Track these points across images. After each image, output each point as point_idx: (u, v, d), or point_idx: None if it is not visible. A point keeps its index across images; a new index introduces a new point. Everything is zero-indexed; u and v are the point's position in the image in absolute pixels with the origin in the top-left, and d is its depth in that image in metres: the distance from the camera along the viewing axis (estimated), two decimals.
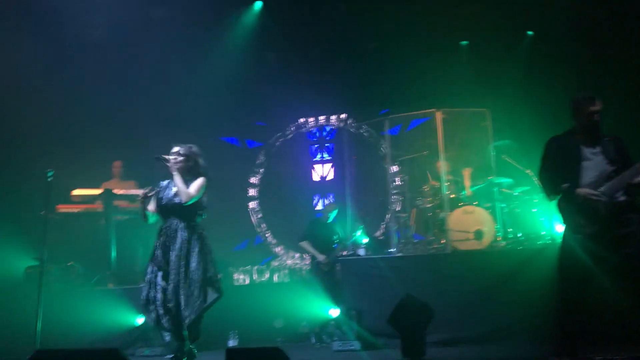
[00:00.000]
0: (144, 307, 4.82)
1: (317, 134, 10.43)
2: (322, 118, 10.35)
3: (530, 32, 8.87)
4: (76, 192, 8.16)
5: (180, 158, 4.87)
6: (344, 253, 7.51)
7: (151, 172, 7.99)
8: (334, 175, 10.15)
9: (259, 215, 10.22)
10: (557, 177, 4.37)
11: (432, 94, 8.43)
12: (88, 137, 9.06)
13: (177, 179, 4.77)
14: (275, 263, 9.51)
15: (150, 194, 4.88)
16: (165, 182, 4.97)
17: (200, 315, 4.76)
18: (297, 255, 9.77)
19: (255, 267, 8.74)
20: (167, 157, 4.89)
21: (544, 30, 8.64)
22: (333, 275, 7.53)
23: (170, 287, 4.69)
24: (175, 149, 4.94)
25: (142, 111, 9.39)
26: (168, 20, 8.84)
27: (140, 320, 6.88)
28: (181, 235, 4.77)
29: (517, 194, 7.25)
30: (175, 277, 4.70)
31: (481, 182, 7.38)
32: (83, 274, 7.77)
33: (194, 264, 4.75)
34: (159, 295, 4.71)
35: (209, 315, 4.94)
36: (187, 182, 4.84)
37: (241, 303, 7.34)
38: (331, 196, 10.01)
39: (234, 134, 10.46)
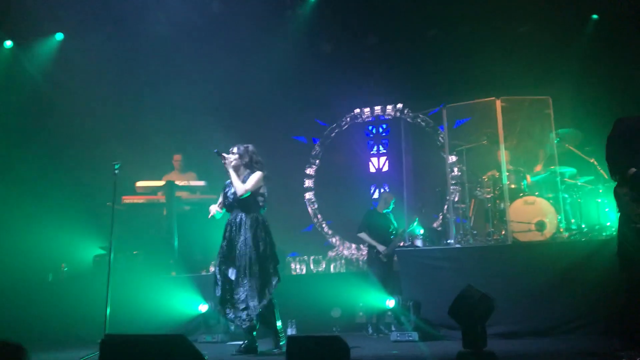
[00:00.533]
0: (220, 301, 5.17)
1: (374, 131, 10.37)
2: (377, 108, 10.29)
3: (595, 16, 8.53)
4: (140, 183, 8.45)
5: (235, 156, 5.26)
6: (402, 244, 7.47)
7: (209, 165, 8.24)
8: (389, 167, 10.11)
9: (315, 206, 10.29)
10: (622, 157, 4.22)
11: (491, 81, 8.23)
12: (151, 132, 9.38)
13: (232, 175, 5.19)
14: (332, 253, 9.56)
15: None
16: (228, 181, 5.33)
17: (269, 302, 5.09)
18: (354, 245, 9.79)
19: (312, 257, 8.83)
20: (223, 154, 5.26)
21: (610, 13, 8.28)
22: (391, 265, 7.52)
23: (238, 277, 5.02)
24: (232, 148, 5.36)
25: (202, 106, 9.60)
26: (228, 15, 8.95)
27: (202, 307, 7.07)
28: (245, 227, 5.13)
29: (580, 183, 7.02)
30: (241, 266, 5.02)
31: (543, 172, 7.19)
32: (147, 262, 8.03)
33: (256, 253, 5.07)
34: (227, 286, 5.08)
35: None
36: (245, 177, 5.23)
37: (298, 292, 7.44)
38: (386, 186, 9.97)
39: (291, 125, 10.52)
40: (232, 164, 5.21)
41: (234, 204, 5.21)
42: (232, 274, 5.05)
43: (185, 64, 9.30)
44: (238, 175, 5.22)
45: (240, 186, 5.11)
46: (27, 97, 8.74)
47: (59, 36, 8.98)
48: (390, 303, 6.72)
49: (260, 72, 9.29)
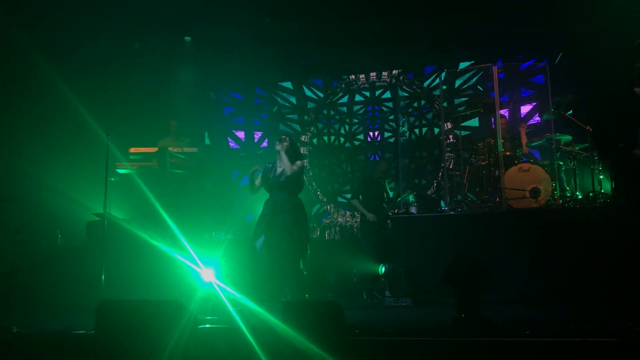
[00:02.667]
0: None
1: (369, 115, 10.28)
2: (373, 74, 10.17)
3: None
4: (133, 150, 8.36)
5: (286, 143, 5.73)
6: (396, 211, 7.47)
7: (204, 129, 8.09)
8: (383, 136, 10.07)
9: (310, 174, 10.25)
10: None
11: (489, 46, 8.11)
12: (144, 97, 9.27)
13: (284, 157, 5.66)
14: (326, 221, 9.57)
15: (256, 169, 5.82)
16: (269, 165, 5.84)
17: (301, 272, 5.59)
18: (348, 213, 9.80)
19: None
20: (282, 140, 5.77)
21: None
22: (383, 233, 7.53)
23: (276, 252, 5.48)
24: (284, 136, 5.84)
25: (202, 68, 9.46)
26: None
27: (205, 272, 7.03)
28: (286, 207, 5.63)
29: (576, 151, 7.01)
30: (280, 242, 5.49)
31: (539, 139, 7.17)
32: (141, 228, 7.98)
33: (297, 230, 5.58)
34: (265, 256, 5.53)
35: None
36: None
37: None
38: (379, 153, 9.93)
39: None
40: (285, 148, 5.67)
41: (276, 186, 5.68)
42: (271, 249, 5.50)
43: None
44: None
45: (290, 165, 5.61)
46: (12, 59, 8.51)
47: None
48: (385, 269, 6.75)
49: (253, 35, 9.15)
